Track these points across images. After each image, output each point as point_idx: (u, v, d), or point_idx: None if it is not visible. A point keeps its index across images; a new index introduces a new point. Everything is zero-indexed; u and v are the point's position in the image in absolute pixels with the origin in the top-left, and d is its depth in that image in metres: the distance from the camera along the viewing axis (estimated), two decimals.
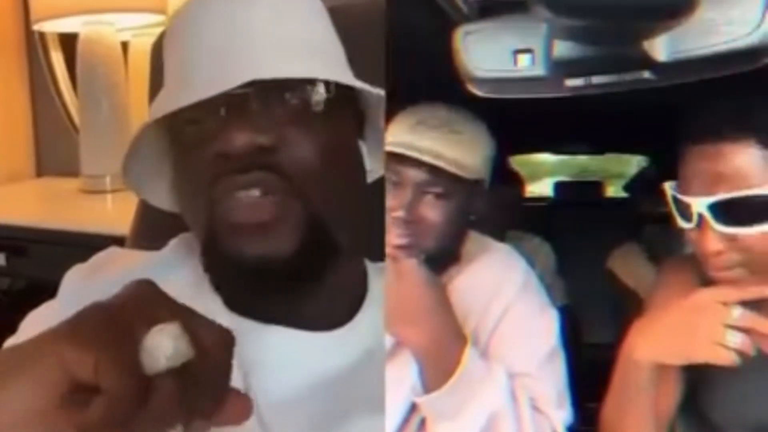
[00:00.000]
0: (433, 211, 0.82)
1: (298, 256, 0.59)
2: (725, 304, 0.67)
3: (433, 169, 0.81)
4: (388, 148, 0.81)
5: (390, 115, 0.86)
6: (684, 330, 0.68)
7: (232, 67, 0.60)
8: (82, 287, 0.67)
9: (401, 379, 0.75)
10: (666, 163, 0.78)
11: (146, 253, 0.73)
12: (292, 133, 0.60)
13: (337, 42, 0.70)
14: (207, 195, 0.61)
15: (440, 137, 0.82)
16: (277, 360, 0.62)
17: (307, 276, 0.62)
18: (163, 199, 0.71)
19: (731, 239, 0.68)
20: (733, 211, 0.67)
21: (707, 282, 0.78)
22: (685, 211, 0.72)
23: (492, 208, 0.89)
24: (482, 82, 0.63)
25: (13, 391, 0.41)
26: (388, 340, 0.75)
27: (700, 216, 0.69)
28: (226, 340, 0.44)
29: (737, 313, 0.66)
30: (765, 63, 0.54)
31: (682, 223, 0.73)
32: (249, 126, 0.59)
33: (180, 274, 0.66)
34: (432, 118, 0.85)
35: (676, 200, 0.73)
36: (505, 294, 0.83)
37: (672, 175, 0.76)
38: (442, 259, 0.84)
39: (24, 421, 0.40)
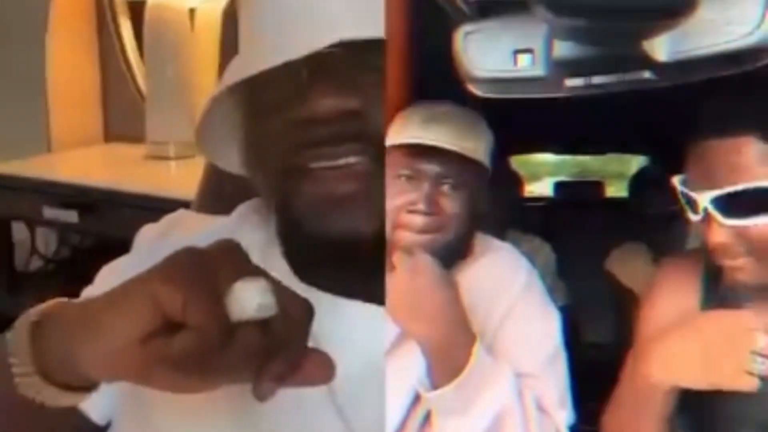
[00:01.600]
0: (451, 202, 0.82)
1: (383, 232, 0.57)
2: (749, 329, 0.66)
3: (446, 161, 0.82)
4: (405, 141, 0.81)
5: (390, 115, 0.87)
6: (707, 356, 0.67)
7: (315, 27, 0.55)
8: (156, 243, 0.68)
9: (406, 370, 0.76)
10: (667, 163, 0.78)
11: (215, 217, 0.73)
12: (379, 96, 0.57)
13: None
14: (287, 163, 0.57)
15: (449, 129, 0.83)
16: (350, 333, 0.60)
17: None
18: (234, 163, 0.67)
19: (737, 231, 0.69)
20: (737, 204, 0.68)
21: (709, 277, 0.79)
22: (692, 206, 0.73)
23: (492, 208, 0.89)
24: (482, 82, 0.63)
25: (105, 325, 0.44)
26: (393, 331, 0.75)
27: (706, 210, 0.70)
28: (306, 307, 0.46)
29: (763, 342, 0.65)
30: (765, 63, 0.54)
31: (691, 216, 0.74)
32: (335, 89, 0.55)
33: (246, 241, 0.65)
34: (439, 114, 0.86)
35: (683, 195, 0.74)
36: (509, 294, 0.83)
37: (673, 174, 0.77)
38: (458, 252, 0.84)
39: (113, 354, 0.43)
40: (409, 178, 0.82)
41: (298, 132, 0.56)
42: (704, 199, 0.69)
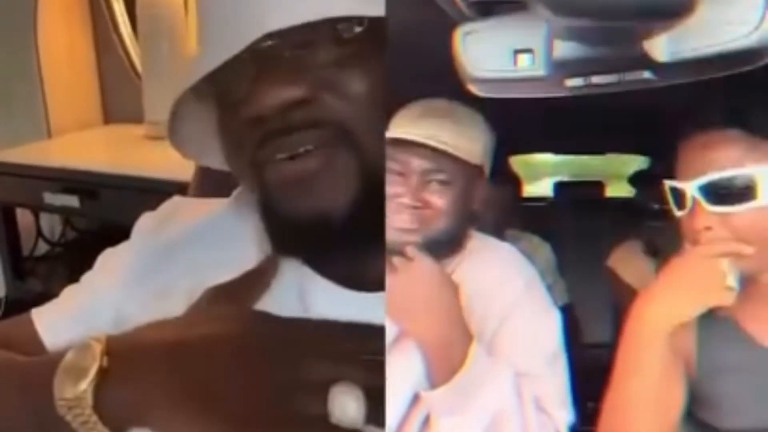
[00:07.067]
0: (437, 197, 0.83)
1: (356, 207, 0.57)
2: (715, 256, 0.73)
3: (436, 157, 0.82)
4: (395, 135, 0.82)
5: (390, 113, 0.87)
6: (689, 285, 0.74)
7: (247, 20, 0.55)
8: (152, 240, 0.69)
9: (406, 369, 0.76)
10: (666, 162, 0.79)
11: (210, 202, 0.73)
12: (328, 78, 0.56)
13: None
14: (252, 156, 0.59)
15: (443, 126, 0.84)
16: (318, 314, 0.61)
17: (367, 227, 0.58)
18: (216, 159, 0.69)
19: (721, 218, 0.74)
20: (721, 192, 0.73)
21: None
22: (680, 199, 0.77)
23: (492, 208, 0.90)
24: (482, 82, 0.63)
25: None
26: (391, 330, 0.75)
27: (694, 199, 0.75)
28: None
29: (726, 263, 0.73)
30: (765, 63, 0.54)
31: (677, 213, 0.78)
32: (279, 81, 0.55)
33: (247, 224, 0.66)
34: (434, 110, 0.86)
35: (672, 190, 0.78)
36: (509, 294, 0.83)
37: (672, 173, 0.78)
38: (447, 245, 0.84)
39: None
40: (399, 173, 0.82)
41: (254, 126, 0.57)
42: (692, 187, 0.74)
